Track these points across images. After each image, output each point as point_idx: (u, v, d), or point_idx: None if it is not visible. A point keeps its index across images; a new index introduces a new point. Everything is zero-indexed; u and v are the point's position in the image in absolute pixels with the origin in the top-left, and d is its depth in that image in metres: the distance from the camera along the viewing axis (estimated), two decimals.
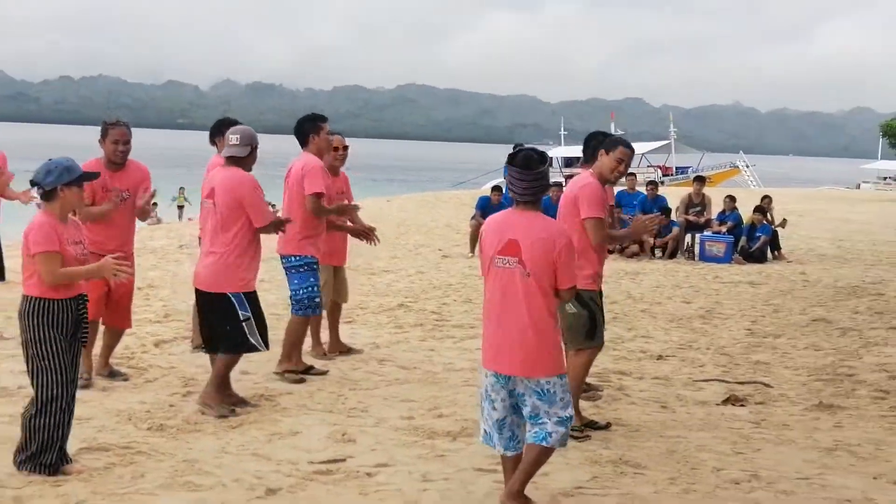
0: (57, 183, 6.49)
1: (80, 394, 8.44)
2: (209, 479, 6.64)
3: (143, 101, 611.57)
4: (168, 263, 18.66)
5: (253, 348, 8.29)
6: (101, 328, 9.13)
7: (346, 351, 10.53)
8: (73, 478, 6.56)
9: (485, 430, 6.17)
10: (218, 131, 10.11)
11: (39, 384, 6.54)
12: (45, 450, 6.56)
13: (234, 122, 10.31)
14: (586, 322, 7.76)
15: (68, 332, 6.55)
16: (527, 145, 7.05)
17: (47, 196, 6.55)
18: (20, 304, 6.57)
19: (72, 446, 7.15)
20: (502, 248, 5.90)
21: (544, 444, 5.95)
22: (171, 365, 9.81)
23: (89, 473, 6.66)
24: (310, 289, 9.38)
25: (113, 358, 9.95)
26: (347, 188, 10.54)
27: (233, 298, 8.14)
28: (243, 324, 8.17)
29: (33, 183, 6.62)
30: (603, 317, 8.06)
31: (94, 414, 8.03)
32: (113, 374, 9.32)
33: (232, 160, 8.32)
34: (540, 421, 5.95)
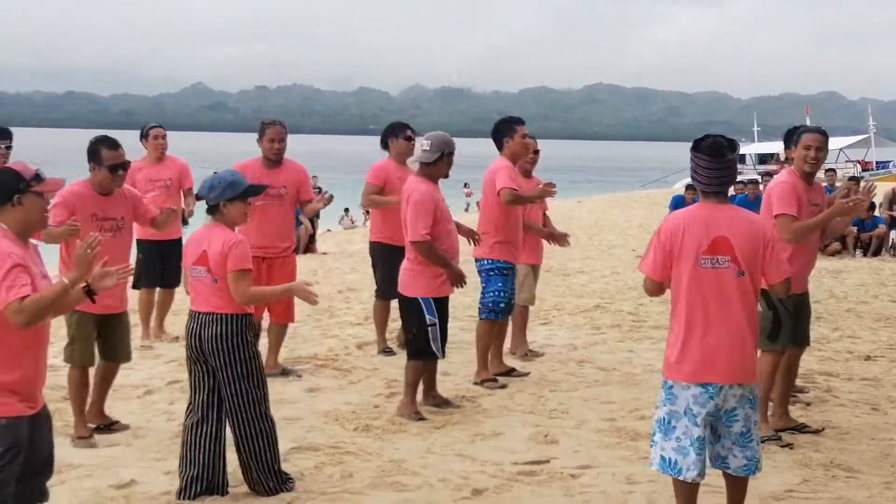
0: (220, 199, 6.38)
1: (288, 396, 8.75)
2: (416, 479, 6.74)
3: (335, 108, 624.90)
4: (366, 267, 18.94)
5: (433, 355, 8.30)
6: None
7: (526, 355, 10.49)
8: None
9: (669, 458, 5.58)
10: (391, 134, 10.31)
11: (252, 401, 6.37)
12: (276, 458, 6.54)
13: (406, 126, 10.47)
14: (770, 323, 7.51)
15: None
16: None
17: (210, 211, 6.46)
18: (216, 325, 6.30)
19: (283, 446, 7.36)
20: (709, 246, 5.49)
21: (752, 474, 5.69)
22: (374, 367, 9.99)
23: (300, 472, 6.84)
24: (496, 293, 9.38)
25: (317, 360, 10.23)
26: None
27: (422, 303, 8.22)
28: (428, 329, 8.21)
29: (199, 197, 6.59)
30: (804, 318, 7.83)
31: (302, 415, 8.25)
32: (286, 373, 9.62)
33: (422, 166, 8.40)
34: (749, 441, 5.59)
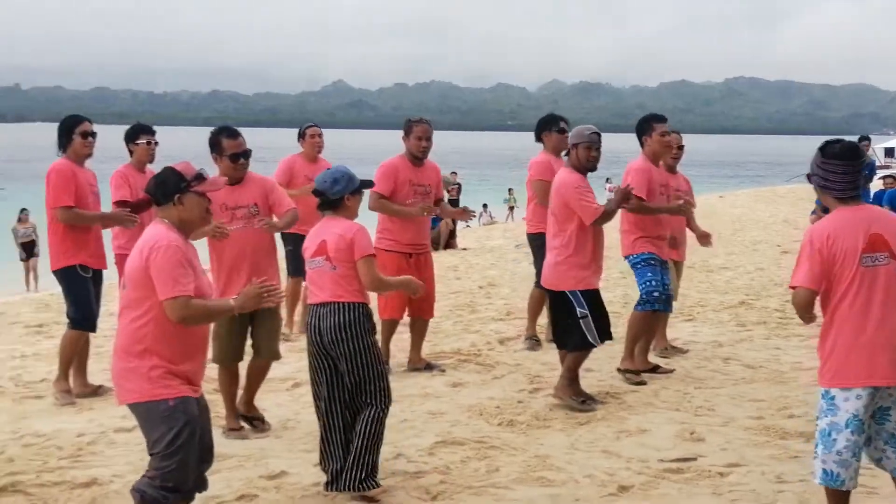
0: (344, 192, 6.37)
1: (432, 390, 8.82)
2: (561, 475, 6.73)
3: (473, 104, 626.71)
4: (506, 263, 19.06)
5: (589, 345, 8.32)
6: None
7: (666, 349, 10.37)
8: (431, 470, 6.81)
9: (831, 471, 5.40)
10: (545, 127, 10.30)
11: (378, 389, 6.34)
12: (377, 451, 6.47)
13: (559, 118, 10.44)
14: None
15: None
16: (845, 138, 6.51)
17: (333, 205, 6.40)
18: (335, 315, 6.26)
19: (427, 440, 7.44)
20: (867, 245, 5.31)
21: None
22: (517, 362, 10.00)
23: (446, 466, 6.89)
24: (647, 283, 9.29)
25: (460, 355, 10.28)
26: (687, 187, 10.36)
27: (570, 296, 8.22)
28: (580, 321, 8.22)
29: (317, 193, 6.46)
30: None
31: (447, 409, 8.30)
32: (430, 367, 9.69)
33: (567, 161, 8.46)
34: None
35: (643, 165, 9.32)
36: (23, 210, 25.34)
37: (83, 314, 8.77)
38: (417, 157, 9.49)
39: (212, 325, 7.70)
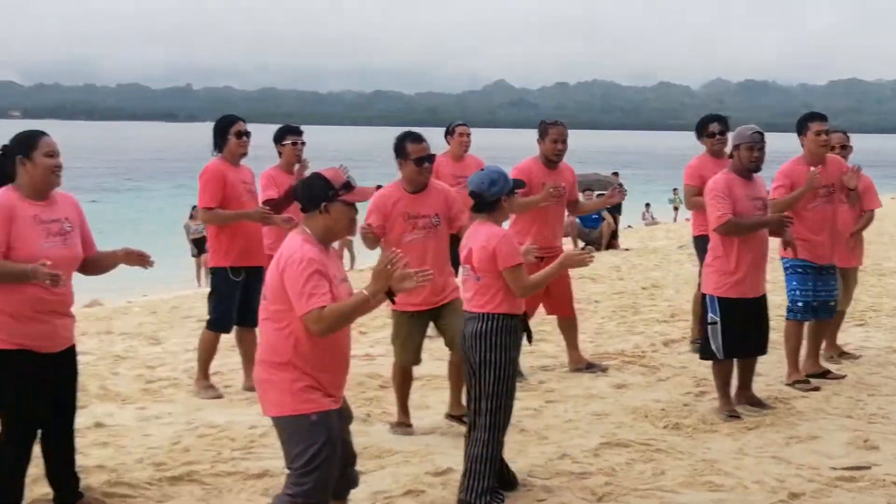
0: (501, 193, 6.17)
1: (596, 391, 8.80)
2: (729, 480, 6.62)
3: (636, 103, 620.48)
4: (670, 264, 18.86)
5: (711, 355, 8.12)
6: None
7: (841, 355, 10.09)
8: (597, 471, 6.78)
9: None
10: (700, 129, 10.16)
11: (496, 408, 6.17)
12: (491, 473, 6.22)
13: (714, 118, 10.18)
14: None
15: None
16: None
17: (490, 207, 6.21)
18: (474, 323, 6.17)
19: (592, 441, 7.41)
20: None
21: None
22: (682, 364, 9.88)
23: (611, 468, 6.86)
24: (792, 292, 9.10)
25: (624, 356, 10.22)
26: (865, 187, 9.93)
27: (707, 299, 8.11)
28: (708, 326, 8.07)
29: (473, 194, 6.22)
30: None
31: (611, 411, 8.26)
32: (591, 367, 9.64)
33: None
34: None
35: (790, 168, 9.12)
36: (194, 207, 26.04)
37: (219, 315, 9.00)
38: (552, 161, 9.40)
39: (392, 328, 7.78)
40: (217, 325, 9.02)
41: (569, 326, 9.79)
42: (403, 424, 7.80)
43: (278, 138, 9.58)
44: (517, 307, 6.21)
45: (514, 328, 6.20)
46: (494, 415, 6.16)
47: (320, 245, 5.12)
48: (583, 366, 9.61)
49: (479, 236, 6.16)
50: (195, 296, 16.02)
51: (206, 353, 9.05)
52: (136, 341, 11.59)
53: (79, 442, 7.23)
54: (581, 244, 22.84)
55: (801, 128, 9.19)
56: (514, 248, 6.12)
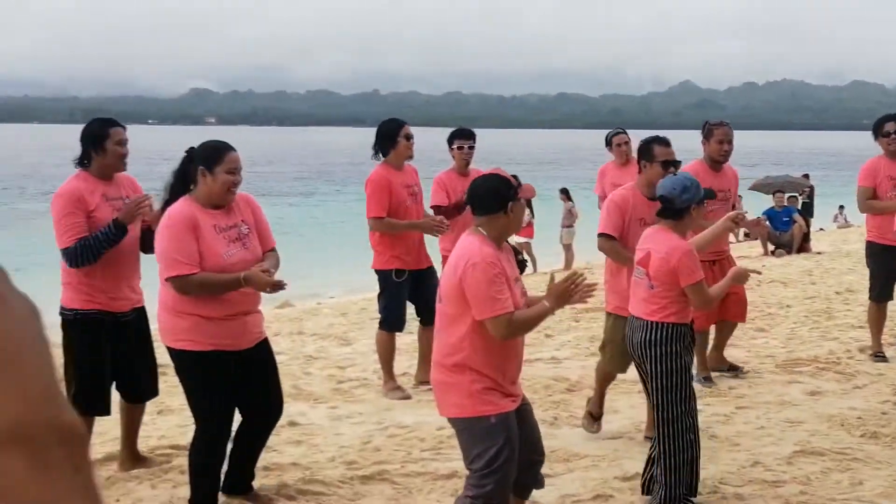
0: (692, 201, 5.99)
1: (789, 398, 8.58)
2: None
3: (826, 102, 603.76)
4: (864, 268, 18.19)
5: None
6: None
7: None
8: (791, 480, 6.62)
9: None
10: (875, 130, 9.79)
11: (675, 416, 6.01)
12: (691, 480, 6.16)
13: (892, 119, 9.79)
14: None
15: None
16: None
17: (678, 214, 6.02)
18: (643, 331, 6.06)
19: (786, 449, 7.23)
20: None
21: None
22: (879, 371, 9.56)
23: (806, 476, 6.68)
24: None
25: (818, 362, 9.94)
26: None
27: None
28: None
29: (663, 199, 6.06)
30: None
31: (805, 418, 8.04)
32: (733, 369, 9.48)
33: None
34: None
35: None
36: None
37: (388, 315, 9.12)
38: (717, 162, 9.14)
39: (606, 333, 7.67)
40: (388, 324, 9.16)
41: (730, 330, 9.57)
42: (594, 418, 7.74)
43: (449, 142, 9.67)
44: (686, 316, 6.07)
45: (683, 334, 6.07)
46: (673, 423, 6.03)
47: (495, 245, 5.15)
48: (724, 367, 9.44)
49: (660, 245, 6.00)
50: None
51: (385, 353, 9.20)
52: (326, 342, 11.83)
53: (273, 440, 7.44)
54: (771, 247, 22.33)
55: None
56: (696, 263, 5.97)
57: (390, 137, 8.99)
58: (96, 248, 6.35)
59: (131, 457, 7.01)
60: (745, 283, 6.46)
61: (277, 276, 5.86)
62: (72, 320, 6.54)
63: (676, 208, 6.01)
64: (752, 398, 8.70)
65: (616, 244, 7.21)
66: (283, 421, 8.01)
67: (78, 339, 6.56)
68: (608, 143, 11.09)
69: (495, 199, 5.16)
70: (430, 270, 9.19)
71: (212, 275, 5.71)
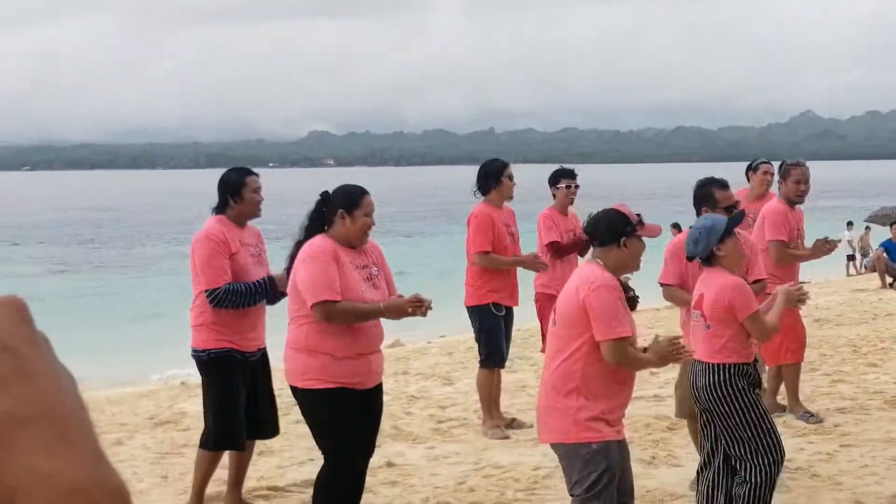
0: (710, 246, 5.89)
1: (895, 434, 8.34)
2: None
3: None
4: None
5: None
6: None
7: None
8: None
9: None
10: None
11: (755, 451, 5.86)
12: None
13: None
14: None
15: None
16: None
17: (709, 261, 5.96)
18: (707, 375, 5.90)
19: (889, 489, 7.04)
20: None
21: None
22: None
23: None
24: None
25: None
26: None
27: None
28: None
29: (689, 257, 6.11)
30: None
31: None
32: (806, 413, 9.07)
33: None
34: None
35: None
36: None
37: (492, 351, 9.14)
38: (793, 201, 9.05)
39: (681, 374, 7.54)
40: (490, 360, 9.19)
41: (786, 371, 9.18)
42: None
43: (552, 181, 9.70)
44: (747, 355, 5.93)
45: (746, 372, 5.93)
46: (756, 457, 5.88)
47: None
48: (780, 410, 9.03)
49: (711, 284, 5.93)
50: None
51: (486, 390, 9.20)
52: (429, 381, 11.89)
53: (370, 480, 7.48)
54: (889, 279, 21.81)
55: None
56: (748, 295, 5.90)
57: (495, 176, 9.09)
58: (246, 296, 6.68)
59: (236, 500, 7.13)
60: (798, 305, 6.34)
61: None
62: (205, 360, 6.81)
63: (705, 257, 6.00)
64: (858, 436, 8.49)
65: (679, 292, 7.08)
66: (380, 461, 8.13)
67: (213, 378, 6.83)
68: (753, 168, 10.67)
69: (610, 232, 5.32)
70: (513, 313, 9.27)
71: (355, 303, 5.89)
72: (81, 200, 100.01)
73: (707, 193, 7.07)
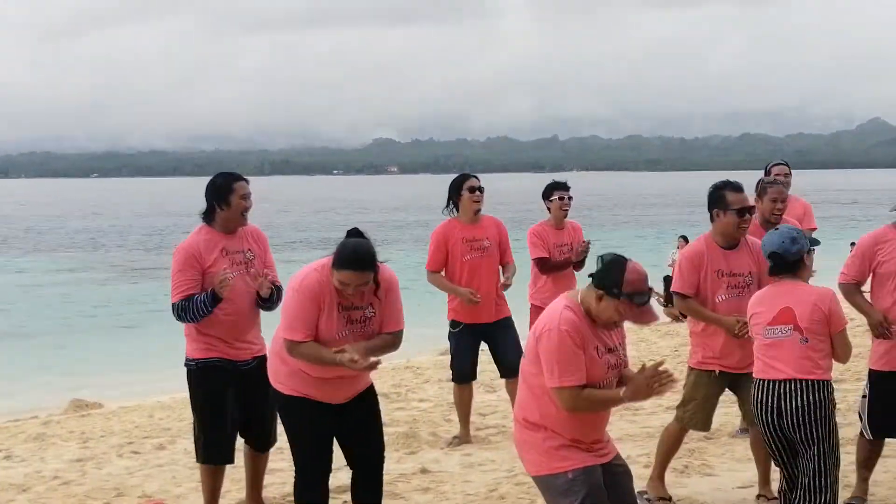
0: (803, 251, 5.89)
1: None
2: None
3: None
4: None
5: (865, 430, 6.89)
6: None
7: None
8: None
9: None
10: None
11: (825, 485, 5.76)
12: None
13: None
14: None
15: None
16: None
17: (792, 268, 5.91)
18: (806, 394, 5.76)
19: None
20: None
21: None
22: None
23: None
24: None
25: None
26: None
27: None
28: (863, 399, 6.91)
29: (773, 255, 5.94)
30: None
31: None
32: None
33: None
34: None
35: None
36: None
37: (453, 367, 9.47)
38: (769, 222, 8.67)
39: (687, 389, 7.10)
40: (454, 375, 9.39)
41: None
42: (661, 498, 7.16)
43: (546, 194, 9.79)
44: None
45: (833, 391, 5.89)
46: (833, 482, 5.84)
47: (582, 314, 5.04)
48: None
49: (804, 296, 5.82)
50: None
51: (456, 405, 9.48)
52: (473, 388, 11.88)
53: (403, 487, 7.63)
54: None
55: None
56: (841, 309, 5.85)
57: (456, 190, 9.15)
58: (193, 311, 6.60)
59: None
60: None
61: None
62: (193, 369, 6.79)
63: (789, 262, 5.91)
64: None
65: (692, 302, 6.96)
66: (415, 468, 8.24)
67: (199, 389, 6.80)
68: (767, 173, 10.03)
69: (601, 280, 5.02)
70: (504, 322, 9.24)
71: (316, 348, 5.73)
72: (146, 206, 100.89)
73: (720, 196, 6.96)
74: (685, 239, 22.76)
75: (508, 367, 9.02)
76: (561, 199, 9.65)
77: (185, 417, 11.30)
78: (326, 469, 6.10)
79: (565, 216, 9.71)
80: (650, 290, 5.08)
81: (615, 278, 4.98)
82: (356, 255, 5.72)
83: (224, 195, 6.72)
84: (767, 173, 10.07)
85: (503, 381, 12.14)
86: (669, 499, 7.14)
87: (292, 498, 7.49)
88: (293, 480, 6.20)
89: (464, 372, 9.27)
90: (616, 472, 5.25)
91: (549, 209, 9.75)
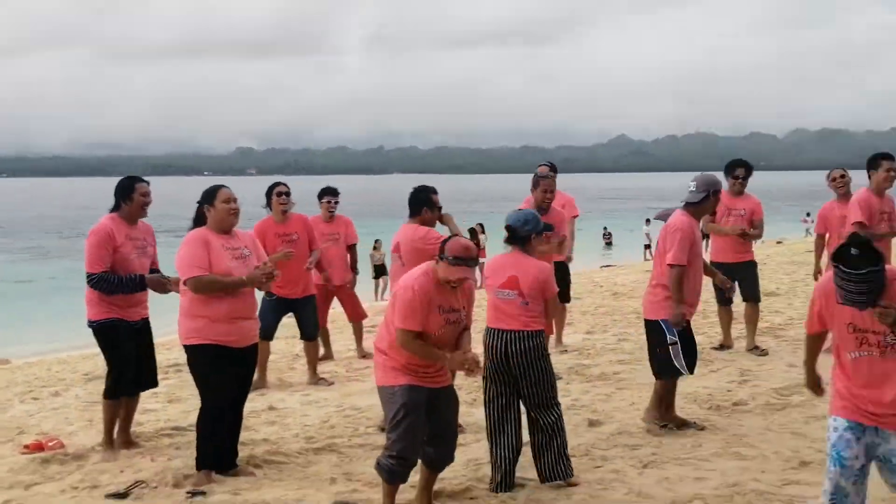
0: (533, 231, 5.94)
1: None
2: (753, 451, 6.43)
3: (729, 150, 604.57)
4: None
5: (677, 372, 7.04)
6: None
7: None
8: (646, 444, 6.62)
9: None
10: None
11: (554, 397, 5.89)
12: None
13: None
14: None
15: None
16: None
17: (521, 241, 5.94)
18: (524, 341, 5.79)
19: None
20: None
21: None
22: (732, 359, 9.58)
23: (659, 441, 6.72)
24: None
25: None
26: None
27: (663, 324, 6.94)
28: (670, 347, 6.99)
29: (508, 228, 5.97)
30: None
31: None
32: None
33: (687, 206, 6.96)
34: None
35: (863, 196, 8.59)
36: (376, 240, 26.45)
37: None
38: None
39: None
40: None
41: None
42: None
43: (320, 196, 9.98)
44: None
45: (544, 337, 6.04)
46: (556, 399, 5.96)
47: (435, 279, 5.16)
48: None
49: (526, 266, 5.88)
50: (372, 308, 16.17)
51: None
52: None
53: (252, 421, 7.49)
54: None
55: (871, 165, 8.64)
56: (554, 280, 5.97)
57: (268, 195, 9.08)
58: (117, 285, 6.55)
59: (128, 438, 6.99)
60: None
61: None
62: (97, 328, 6.67)
63: (520, 237, 5.95)
64: (631, 381, 8.68)
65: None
66: (264, 406, 8.09)
67: (104, 343, 6.72)
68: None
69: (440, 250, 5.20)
70: (306, 300, 9.13)
71: (220, 276, 5.93)
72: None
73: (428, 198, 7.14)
74: (481, 226, 22.76)
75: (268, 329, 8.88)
76: (329, 202, 9.90)
77: (78, 370, 10.90)
78: (228, 404, 6.17)
79: (332, 216, 9.94)
80: (470, 258, 5.14)
81: (442, 247, 5.20)
82: (213, 185, 6.21)
83: (128, 193, 6.71)
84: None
85: (335, 336, 12.20)
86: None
87: (166, 432, 7.40)
88: (199, 414, 6.18)
89: (267, 329, 8.82)
90: (442, 395, 5.30)
91: (321, 208, 9.95)
